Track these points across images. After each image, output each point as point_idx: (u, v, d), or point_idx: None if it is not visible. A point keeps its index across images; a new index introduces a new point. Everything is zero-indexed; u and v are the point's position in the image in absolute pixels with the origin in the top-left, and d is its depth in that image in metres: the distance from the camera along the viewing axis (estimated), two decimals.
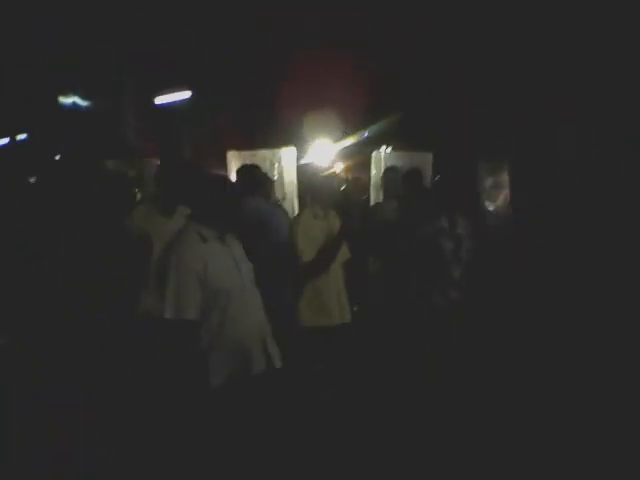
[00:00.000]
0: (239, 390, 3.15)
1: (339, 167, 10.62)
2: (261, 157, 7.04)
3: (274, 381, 3.34)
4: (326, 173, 4.92)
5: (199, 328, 3.10)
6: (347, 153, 11.96)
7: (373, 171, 7.15)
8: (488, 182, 7.67)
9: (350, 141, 12.75)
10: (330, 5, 10.21)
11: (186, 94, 9.58)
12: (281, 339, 3.47)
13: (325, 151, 11.44)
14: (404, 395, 4.34)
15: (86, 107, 8.74)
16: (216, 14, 9.62)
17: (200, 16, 9.46)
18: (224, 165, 7.17)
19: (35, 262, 4.09)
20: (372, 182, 7.13)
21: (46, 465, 3.32)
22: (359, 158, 10.27)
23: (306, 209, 4.42)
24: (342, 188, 7.22)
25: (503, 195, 7.63)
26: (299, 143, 8.85)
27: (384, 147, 9.90)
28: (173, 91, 9.52)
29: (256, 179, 5.17)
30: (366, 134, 13.45)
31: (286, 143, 7.72)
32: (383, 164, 6.99)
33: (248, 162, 7.06)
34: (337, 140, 12.25)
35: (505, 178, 7.61)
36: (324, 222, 4.32)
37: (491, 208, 7.63)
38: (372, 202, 7.01)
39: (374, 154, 7.29)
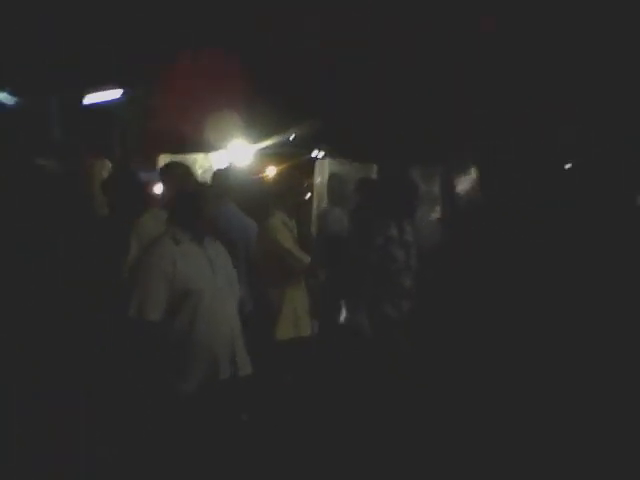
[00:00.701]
0: (206, 395, 3.23)
1: (271, 171, 10.66)
2: (192, 161, 7.06)
3: (243, 389, 3.43)
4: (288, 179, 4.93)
5: (162, 329, 3.18)
6: (275, 156, 11.98)
7: (317, 179, 7.29)
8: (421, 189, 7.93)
9: (272, 143, 12.79)
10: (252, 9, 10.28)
11: (117, 92, 9.34)
12: (255, 351, 3.57)
13: (250, 154, 11.41)
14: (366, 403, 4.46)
15: (14, 105, 8.40)
16: (148, 14, 9.48)
17: (132, 16, 9.30)
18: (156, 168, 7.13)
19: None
20: (316, 190, 7.27)
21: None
22: (291, 162, 10.37)
23: (275, 216, 4.41)
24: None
25: (435, 202, 7.91)
26: (229, 146, 8.85)
27: (317, 152, 10.08)
28: (104, 89, 9.27)
29: (229, 184, 5.14)
30: (291, 137, 13.54)
31: (217, 146, 7.75)
32: (327, 172, 7.16)
33: None
34: (256, 142, 12.22)
35: (437, 185, 7.90)
36: (291, 231, 4.39)
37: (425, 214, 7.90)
38: (314, 210, 7.17)
39: (317, 162, 7.44)
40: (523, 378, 4.95)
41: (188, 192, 3.51)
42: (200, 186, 3.76)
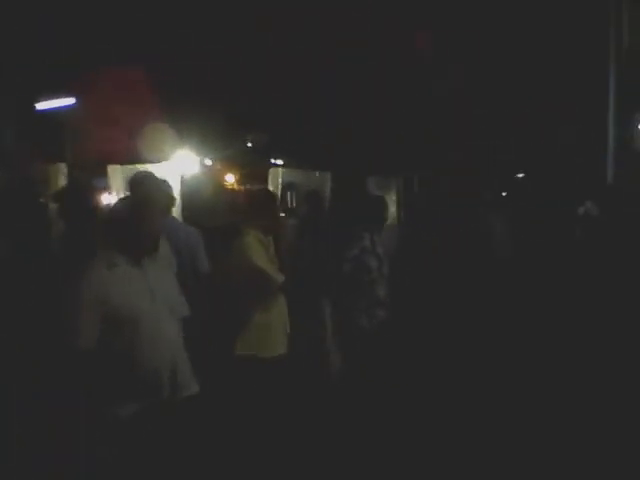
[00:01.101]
0: (147, 420, 3.14)
1: (229, 179, 10.64)
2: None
3: (192, 410, 3.35)
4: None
5: (95, 357, 3.06)
6: (231, 165, 11.97)
7: (270, 188, 7.26)
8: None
9: (227, 153, 12.73)
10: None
11: (70, 100, 9.21)
12: (214, 367, 3.50)
13: (202, 164, 11.29)
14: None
15: None
16: (101, 23, 9.45)
17: (85, 23, 9.25)
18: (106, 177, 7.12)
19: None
20: None
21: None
22: (246, 171, 10.37)
23: (250, 234, 4.24)
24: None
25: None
26: (177, 157, 8.77)
27: (273, 160, 10.09)
28: (56, 97, 9.15)
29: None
30: (248, 145, 13.53)
31: (163, 157, 7.71)
32: (279, 181, 7.15)
33: (129, 176, 6.98)
34: (210, 152, 12.10)
35: (393, 194, 7.99)
36: (267, 248, 4.23)
37: None
38: None
39: (271, 171, 7.41)
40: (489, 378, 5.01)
41: (124, 208, 3.20)
42: (141, 200, 3.47)
